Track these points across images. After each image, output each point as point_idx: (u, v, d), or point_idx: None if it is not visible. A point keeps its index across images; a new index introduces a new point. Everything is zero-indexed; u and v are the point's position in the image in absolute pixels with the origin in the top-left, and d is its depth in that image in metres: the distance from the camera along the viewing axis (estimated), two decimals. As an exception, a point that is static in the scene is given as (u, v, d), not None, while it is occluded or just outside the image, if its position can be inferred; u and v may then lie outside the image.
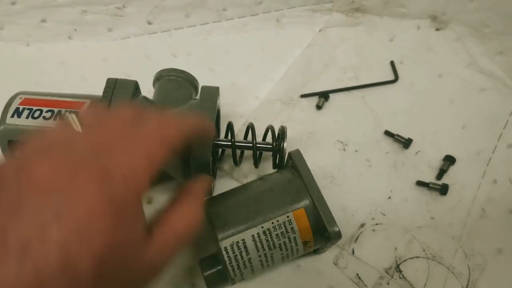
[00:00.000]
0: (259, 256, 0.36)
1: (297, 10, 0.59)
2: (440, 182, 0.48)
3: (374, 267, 0.43)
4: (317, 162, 0.49)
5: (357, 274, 0.43)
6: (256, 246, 0.36)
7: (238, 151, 0.45)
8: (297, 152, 0.41)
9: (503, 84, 0.53)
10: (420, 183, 0.48)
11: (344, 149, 0.51)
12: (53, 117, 0.39)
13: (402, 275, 0.43)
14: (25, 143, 0.24)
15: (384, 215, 0.46)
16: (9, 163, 0.22)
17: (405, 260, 0.44)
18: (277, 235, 0.36)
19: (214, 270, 0.38)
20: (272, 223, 0.36)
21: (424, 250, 0.44)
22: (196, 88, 0.48)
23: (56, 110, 0.40)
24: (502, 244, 0.45)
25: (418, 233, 0.45)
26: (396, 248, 0.44)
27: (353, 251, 0.44)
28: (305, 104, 0.54)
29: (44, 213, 0.20)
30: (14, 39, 0.57)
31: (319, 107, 0.53)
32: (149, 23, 0.58)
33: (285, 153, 0.43)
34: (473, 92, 0.54)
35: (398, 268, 0.43)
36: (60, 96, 0.42)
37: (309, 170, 0.39)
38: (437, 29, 0.57)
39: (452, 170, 0.49)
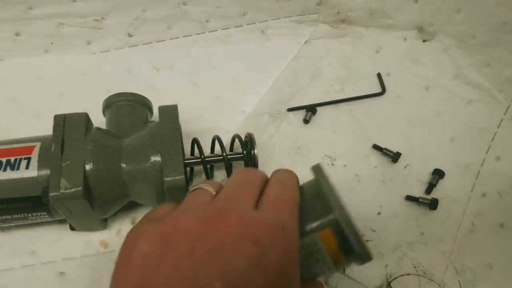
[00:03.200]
0: None
1: (282, 22, 0.58)
2: (429, 197, 0.47)
3: (365, 286, 0.43)
4: (306, 178, 0.47)
5: (349, 294, 0.42)
6: None
7: (209, 166, 0.44)
8: (318, 167, 0.34)
9: (490, 96, 0.53)
10: (409, 198, 0.47)
11: (332, 164, 0.50)
12: (2, 168, 0.36)
13: (394, 294, 0.42)
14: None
15: (374, 231, 0.46)
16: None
17: (396, 278, 0.43)
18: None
19: None
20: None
21: (415, 267, 0.44)
22: (150, 109, 0.46)
23: (4, 160, 0.36)
24: (492, 259, 0.44)
25: (409, 249, 0.45)
26: (387, 265, 0.44)
27: (344, 269, 0.43)
28: (292, 118, 0.53)
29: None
30: (-13, 54, 0.54)
31: (306, 121, 0.52)
32: (130, 36, 0.57)
33: (257, 160, 0.42)
34: (460, 104, 0.53)
35: (389, 286, 0.43)
36: (6, 144, 0.38)
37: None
38: (423, 41, 0.57)
39: (441, 183, 0.48)
